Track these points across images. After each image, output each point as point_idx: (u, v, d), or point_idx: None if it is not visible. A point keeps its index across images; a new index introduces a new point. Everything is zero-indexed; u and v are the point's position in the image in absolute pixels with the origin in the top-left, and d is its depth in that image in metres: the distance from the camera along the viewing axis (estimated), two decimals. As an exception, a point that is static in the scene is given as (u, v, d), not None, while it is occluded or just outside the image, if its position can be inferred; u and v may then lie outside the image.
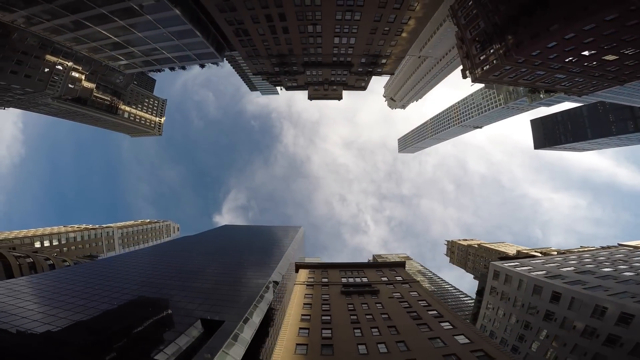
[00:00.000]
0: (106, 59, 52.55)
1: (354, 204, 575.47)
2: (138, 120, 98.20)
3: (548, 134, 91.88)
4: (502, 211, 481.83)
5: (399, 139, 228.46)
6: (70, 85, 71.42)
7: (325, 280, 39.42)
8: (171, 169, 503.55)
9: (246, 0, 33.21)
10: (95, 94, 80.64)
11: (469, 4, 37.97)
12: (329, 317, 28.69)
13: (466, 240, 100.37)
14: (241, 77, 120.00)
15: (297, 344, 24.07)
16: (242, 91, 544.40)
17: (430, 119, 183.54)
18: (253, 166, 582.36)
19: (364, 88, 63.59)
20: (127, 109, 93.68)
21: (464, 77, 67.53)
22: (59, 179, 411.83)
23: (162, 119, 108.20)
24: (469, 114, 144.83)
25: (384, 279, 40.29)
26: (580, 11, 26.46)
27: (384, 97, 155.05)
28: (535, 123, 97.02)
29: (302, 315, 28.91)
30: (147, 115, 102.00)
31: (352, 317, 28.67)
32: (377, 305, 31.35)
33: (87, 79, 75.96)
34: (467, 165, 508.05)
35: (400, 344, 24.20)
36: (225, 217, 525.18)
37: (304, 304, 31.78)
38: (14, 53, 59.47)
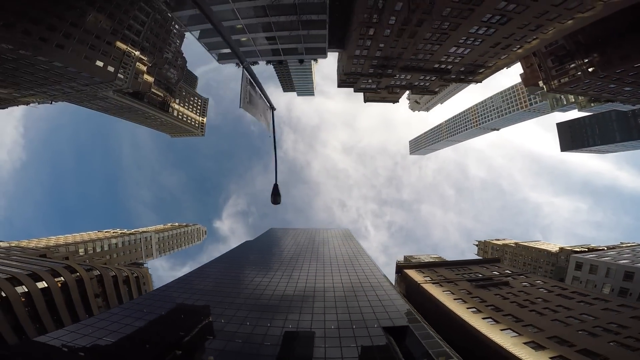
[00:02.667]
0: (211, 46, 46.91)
1: (354, 209, 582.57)
2: (185, 120, 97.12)
3: (575, 137, 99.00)
4: (503, 215, 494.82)
5: (410, 141, 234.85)
6: (134, 78, 69.45)
7: (442, 277, 42.10)
8: (171, 175, 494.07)
9: (397, 2, 35.11)
10: (152, 88, 79.33)
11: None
12: (493, 306, 31.61)
13: (498, 240, 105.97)
14: (278, 77, 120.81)
15: (501, 330, 26.76)
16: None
17: (446, 121, 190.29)
18: (253, 172, 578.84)
19: (436, 93, 66.99)
20: (177, 107, 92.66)
21: (527, 85, 72.40)
22: (60, 184, 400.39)
23: (205, 119, 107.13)
24: (488, 116, 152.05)
25: (496, 273, 43.64)
26: None
27: (408, 99, 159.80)
28: (561, 126, 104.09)
29: (469, 308, 31.52)
30: (192, 114, 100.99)
31: (512, 303, 31.70)
32: (523, 292, 34.56)
33: (148, 72, 74.14)
34: (468, 170, 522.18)
35: (583, 315, 27.93)
36: (225, 223, 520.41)
37: (454, 299, 34.40)
38: (88, 36, 54.07)
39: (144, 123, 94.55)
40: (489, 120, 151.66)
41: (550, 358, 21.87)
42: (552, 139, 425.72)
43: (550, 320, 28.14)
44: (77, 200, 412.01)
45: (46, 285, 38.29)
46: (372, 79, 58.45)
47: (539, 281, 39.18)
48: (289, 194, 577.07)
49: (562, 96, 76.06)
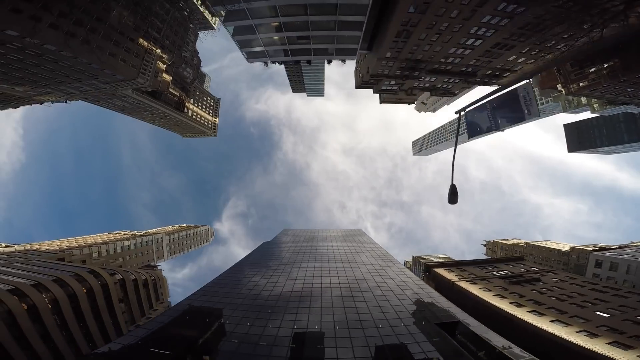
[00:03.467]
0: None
1: (354, 210, 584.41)
2: (199, 120, 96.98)
3: (583, 138, 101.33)
4: (503, 217, 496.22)
5: (413, 142, 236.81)
6: (154, 76, 68.49)
7: (473, 275, 43.23)
8: (171, 177, 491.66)
9: (440, 7, 35.90)
10: (170, 87, 79.18)
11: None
12: (533, 300, 32.77)
13: (507, 240, 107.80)
14: (288, 77, 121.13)
15: (550, 321, 27.86)
16: (241, 98, 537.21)
17: (450, 122, 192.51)
18: (252, 173, 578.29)
19: (455, 94, 68.25)
20: (191, 106, 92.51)
21: (542, 88, 74.02)
22: (59, 185, 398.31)
23: (217, 119, 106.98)
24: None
25: (523, 270, 44.95)
26: None
27: (414, 101, 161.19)
28: (569, 127, 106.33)
29: (511, 303, 32.60)
30: (205, 114, 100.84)
31: (551, 297, 32.98)
32: (557, 288, 35.86)
33: (166, 71, 73.68)
34: (467, 172, 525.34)
35: (622, 307, 29.22)
36: (225, 225, 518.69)
37: (493, 295, 35.48)
38: (112, 32, 52.17)
39: (157, 123, 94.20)
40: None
41: (607, 343, 23.08)
42: (552, 140, 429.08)
43: (593, 312, 29.39)
44: (76, 202, 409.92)
45: (72, 291, 37.06)
46: (396, 81, 59.34)
47: (567, 277, 40.55)
48: (288, 195, 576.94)
49: (574, 98, 77.87)
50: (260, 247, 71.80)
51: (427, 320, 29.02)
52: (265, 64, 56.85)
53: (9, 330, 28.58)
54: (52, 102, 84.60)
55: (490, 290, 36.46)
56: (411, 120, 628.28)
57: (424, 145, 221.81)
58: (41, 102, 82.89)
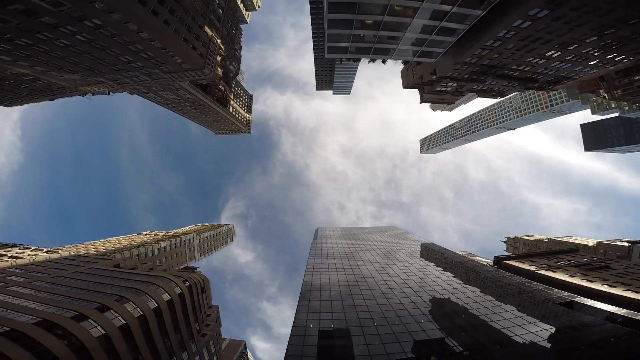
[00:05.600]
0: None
1: (354, 211, 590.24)
2: (237, 116, 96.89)
3: (600, 137, 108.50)
4: (502, 217, 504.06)
5: (420, 140, 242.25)
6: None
7: (546, 265, 47.49)
8: (170, 178, 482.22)
9: (545, 24, 38.70)
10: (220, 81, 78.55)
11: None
12: (620, 283, 37.26)
13: (529, 236, 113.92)
14: (316, 74, 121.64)
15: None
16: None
17: (460, 121, 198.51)
18: (251, 174, 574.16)
19: (503, 96, 72.06)
20: (231, 102, 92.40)
21: (581, 92, 78.49)
22: (57, 186, 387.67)
23: (250, 116, 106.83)
24: (506, 116, 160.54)
25: (585, 260, 49.72)
26: None
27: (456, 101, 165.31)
28: (585, 127, 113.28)
29: (602, 285, 36.87)
30: (241, 111, 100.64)
31: (633, 279, 37.57)
32: (631, 272, 40.51)
33: (219, 64, 71.65)
34: (467, 172, 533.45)
35: None
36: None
37: (581, 280, 39.67)
38: (186, 16, 48.07)
39: (197, 119, 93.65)
40: (506, 120, 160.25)
41: None
42: (552, 141, 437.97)
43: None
44: (75, 203, 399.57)
45: (156, 304, 32.58)
46: (458, 83, 62.32)
47: (631, 263, 45.51)
48: (288, 196, 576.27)
49: (604, 101, 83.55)
50: (315, 250, 72.85)
51: (549, 301, 32.60)
52: (340, 60, 57.55)
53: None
54: (94, 93, 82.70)
55: (573, 277, 40.61)
56: (411, 121, 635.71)
57: (433, 143, 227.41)
58: (83, 94, 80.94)
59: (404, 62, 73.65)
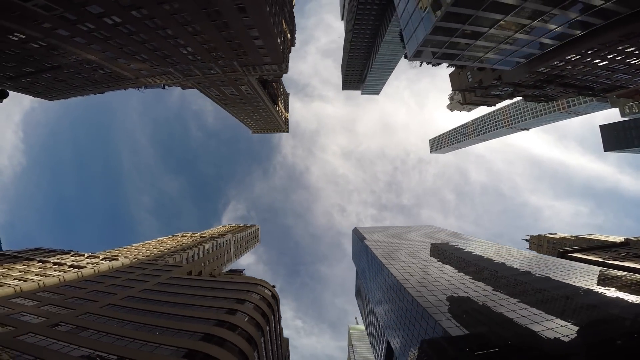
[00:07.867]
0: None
1: (354, 214, 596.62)
2: (279, 114, 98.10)
3: (620, 138, 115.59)
4: (503, 219, 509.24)
5: (430, 140, 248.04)
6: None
7: (610, 257, 52.71)
8: (171, 180, 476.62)
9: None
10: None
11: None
12: None
13: (552, 234, 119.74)
14: (347, 72, 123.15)
15: None
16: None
17: (472, 121, 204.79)
18: (252, 177, 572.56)
19: (552, 101, 76.70)
20: (279, 100, 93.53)
21: (619, 96, 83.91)
22: (60, 188, 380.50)
23: (288, 114, 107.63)
24: (521, 117, 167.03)
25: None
26: None
27: (450, 99, 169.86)
28: (605, 128, 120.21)
29: None
30: (283, 109, 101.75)
31: None
32: None
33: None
34: (468, 175, 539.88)
35: None
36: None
37: None
38: (274, 5, 44.04)
39: (242, 116, 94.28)
40: (522, 121, 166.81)
41: None
42: (553, 142, 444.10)
43: None
44: (77, 205, 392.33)
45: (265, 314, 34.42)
46: (515, 89, 66.36)
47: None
48: (288, 199, 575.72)
49: (635, 104, 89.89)
50: (372, 247, 75.71)
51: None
52: (421, 63, 59.26)
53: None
54: (147, 87, 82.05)
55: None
56: (412, 123, 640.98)
57: (443, 143, 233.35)
58: (138, 87, 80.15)
59: (454, 65, 77.18)
